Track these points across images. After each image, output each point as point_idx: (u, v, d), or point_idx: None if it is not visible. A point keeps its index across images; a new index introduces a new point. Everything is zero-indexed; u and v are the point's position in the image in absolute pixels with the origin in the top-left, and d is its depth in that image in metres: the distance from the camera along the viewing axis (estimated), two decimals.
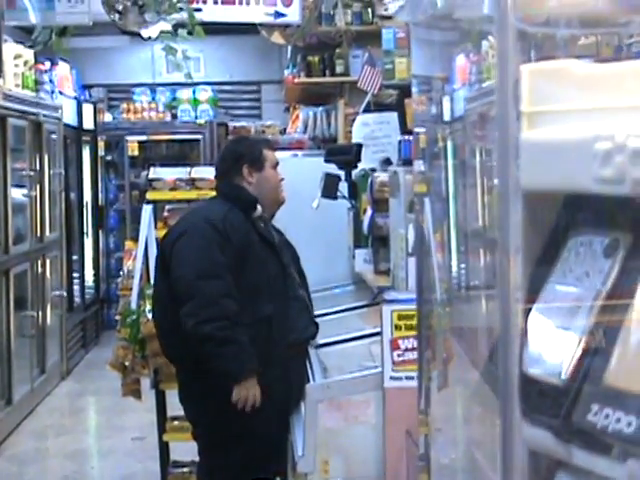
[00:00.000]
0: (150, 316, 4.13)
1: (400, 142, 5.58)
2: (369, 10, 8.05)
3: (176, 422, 4.60)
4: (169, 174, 5.28)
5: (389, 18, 7.46)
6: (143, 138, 10.38)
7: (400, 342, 3.25)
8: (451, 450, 1.82)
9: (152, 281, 4.14)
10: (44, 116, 7.38)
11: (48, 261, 7.52)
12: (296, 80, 8.58)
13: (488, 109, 1.77)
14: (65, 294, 7.99)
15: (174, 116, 10.75)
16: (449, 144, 2.18)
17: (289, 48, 8.98)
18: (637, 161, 1.05)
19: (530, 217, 1.18)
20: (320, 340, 3.85)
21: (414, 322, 3.15)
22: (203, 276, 3.50)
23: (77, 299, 8.81)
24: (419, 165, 2.19)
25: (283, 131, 9.45)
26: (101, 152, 10.12)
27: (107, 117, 10.74)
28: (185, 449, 4.57)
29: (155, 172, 5.36)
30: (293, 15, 7.40)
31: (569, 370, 1.15)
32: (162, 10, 5.98)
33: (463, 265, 2.13)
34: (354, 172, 5.36)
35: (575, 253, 1.22)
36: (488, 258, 1.75)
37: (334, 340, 3.88)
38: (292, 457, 3.56)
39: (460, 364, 1.68)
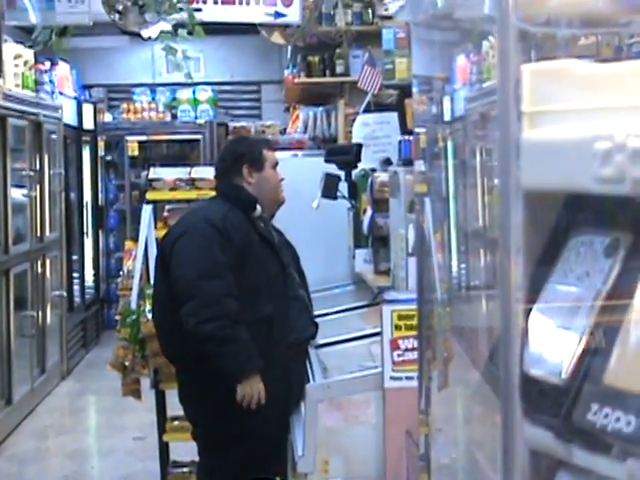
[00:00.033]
0: (150, 316, 4.13)
1: (400, 142, 5.59)
2: (369, 10, 8.05)
3: (176, 422, 4.60)
4: (169, 174, 5.28)
5: (389, 18, 7.46)
6: (143, 138, 10.38)
7: (400, 342, 3.25)
8: (451, 450, 1.82)
9: (152, 281, 4.14)
10: (44, 116, 7.38)
11: (48, 261, 7.52)
12: (296, 80, 8.58)
13: (488, 109, 1.78)
14: (65, 294, 7.99)
15: (174, 116, 10.75)
16: (449, 144, 2.18)
17: (289, 48, 8.98)
18: (637, 160, 1.05)
19: (531, 217, 1.18)
20: (320, 340, 3.85)
21: (414, 322, 3.15)
22: (204, 276, 3.50)
23: (77, 299, 8.81)
24: (420, 165, 2.19)
25: (283, 131, 9.44)
26: (101, 152, 10.12)
27: (107, 117, 10.74)
28: (185, 449, 4.57)
29: (155, 172, 5.36)
30: (293, 15, 7.40)
31: (569, 370, 1.15)
32: (162, 10, 5.98)
33: (463, 265, 2.14)
34: (354, 172, 5.36)
35: (576, 253, 1.22)
36: (488, 258, 1.76)
37: (334, 340, 3.88)
38: (292, 457, 3.56)
39: (460, 364, 1.68)
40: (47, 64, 7.80)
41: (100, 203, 9.94)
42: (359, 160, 5.37)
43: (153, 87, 11.01)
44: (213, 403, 3.62)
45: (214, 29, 7.35)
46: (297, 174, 4.99)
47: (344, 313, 4.47)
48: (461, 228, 2.12)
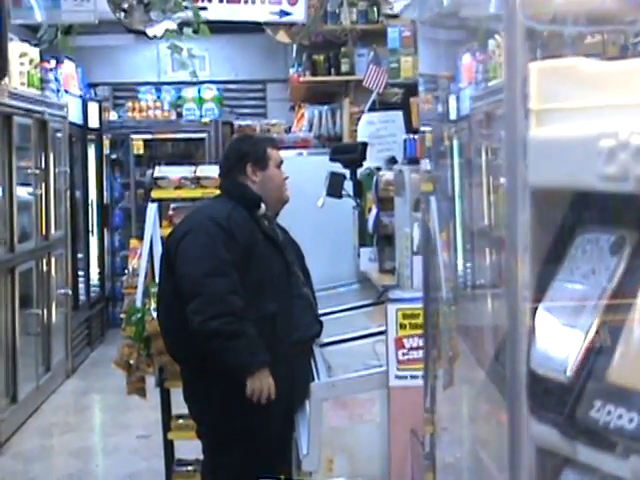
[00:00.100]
0: (155, 314, 4.14)
1: (405, 141, 5.59)
2: (374, 9, 8.05)
3: (181, 420, 4.60)
4: (174, 173, 5.29)
5: (394, 17, 7.45)
6: (148, 137, 10.39)
7: (405, 341, 3.25)
8: (456, 449, 1.82)
9: (157, 279, 4.14)
10: (49, 114, 7.39)
11: (53, 259, 7.52)
12: (301, 79, 8.58)
13: (494, 108, 1.77)
14: (70, 292, 8.01)
15: (179, 115, 10.75)
16: (455, 143, 2.18)
17: (294, 47, 8.98)
18: None
19: (538, 215, 1.17)
20: (325, 339, 3.85)
21: (419, 321, 3.15)
22: (209, 273, 3.50)
23: (82, 297, 8.82)
24: (426, 164, 2.19)
25: (288, 130, 9.45)
26: (106, 150, 10.13)
27: (112, 115, 10.75)
28: (190, 447, 4.57)
29: (160, 171, 5.36)
30: (298, 14, 7.39)
31: (574, 367, 1.15)
32: (167, 9, 5.98)
33: (469, 264, 2.13)
34: (359, 171, 5.36)
35: (582, 250, 1.22)
36: (494, 257, 1.75)
37: (339, 339, 3.88)
38: (297, 455, 3.56)
39: (466, 363, 1.68)
40: (52, 62, 7.81)
41: (105, 201, 9.95)
42: (364, 159, 5.36)
43: (158, 85, 11.02)
44: (217, 401, 3.62)
45: (219, 28, 7.35)
46: (302, 173, 4.99)
47: (349, 312, 4.47)
48: (467, 227, 2.11)
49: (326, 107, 8.72)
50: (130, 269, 5.17)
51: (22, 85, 6.71)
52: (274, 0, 7.40)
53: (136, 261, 5.08)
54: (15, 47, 6.57)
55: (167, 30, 6.07)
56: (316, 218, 5.23)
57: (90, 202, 9.36)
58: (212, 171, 4.89)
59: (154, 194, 5.15)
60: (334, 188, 5.05)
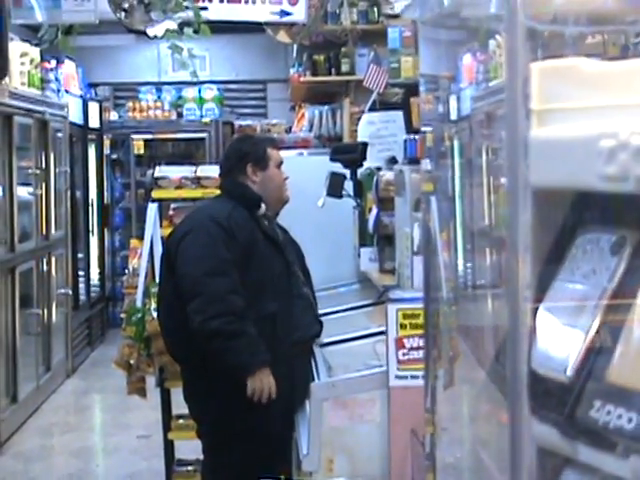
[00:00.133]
0: (155, 314, 4.14)
1: (405, 141, 5.58)
2: (375, 9, 8.06)
3: (181, 420, 4.60)
4: (175, 172, 5.29)
5: (395, 17, 7.46)
6: (149, 137, 10.39)
7: (405, 341, 3.25)
8: (457, 449, 1.82)
9: (157, 279, 4.14)
10: (50, 114, 7.39)
11: (54, 259, 7.53)
12: (302, 79, 8.58)
13: (495, 108, 1.77)
14: (70, 292, 8.01)
15: (180, 115, 10.75)
16: (456, 143, 2.18)
17: (295, 47, 8.98)
18: None
19: (539, 215, 1.18)
20: (325, 339, 3.85)
21: (419, 321, 3.16)
22: (209, 273, 3.50)
23: (82, 297, 8.82)
24: (427, 164, 2.19)
25: (289, 130, 9.45)
26: (107, 150, 10.13)
27: (113, 115, 10.75)
28: (190, 447, 4.57)
29: (161, 170, 5.36)
30: (299, 14, 7.39)
31: (574, 367, 1.15)
32: (168, 9, 5.98)
33: (469, 264, 2.13)
34: (359, 171, 5.35)
35: (583, 250, 1.22)
36: (494, 257, 1.75)
37: (339, 339, 3.88)
38: (297, 455, 3.56)
39: (466, 363, 1.68)
40: (53, 62, 7.81)
41: (106, 201, 9.95)
42: (364, 159, 5.36)
43: (159, 85, 11.03)
44: (218, 401, 3.62)
45: (220, 28, 7.35)
46: (302, 173, 4.99)
47: (349, 312, 4.47)
48: (467, 227, 2.12)
49: (326, 107, 8.73)
50: (130, 269, 5.17)
51: (23, 85, 6.72)
52: (274, 0, 7.40)
53: (136, 261, 5.08)
54: (16, 47, 6.57)
55: (168, 30, 6.07)
56: (316, 218, 5.23)
57: (90, 202, 9.36)
58: (212, 171, 4.89)
59: (154, 194, 5.15)
60: (334, 188, 5.05)
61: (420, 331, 3.15)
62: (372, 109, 6.94)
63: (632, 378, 1.08)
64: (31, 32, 7.50)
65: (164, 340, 3.90)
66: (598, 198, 1.17)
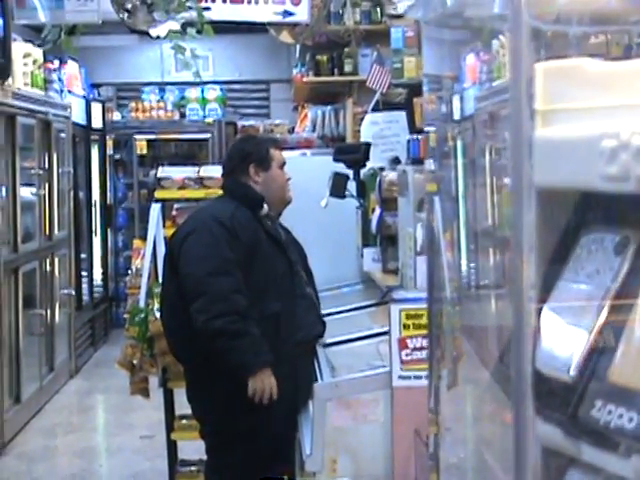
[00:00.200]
0: (158, 315, 4.14)
1: (409, 141, 5.58)
2: (378, 9, 8.05)
3: (184, 421, 4.60)
4: (178, 173, 5.29)
5: (398, 17, 7.45)
6: (152, 137, 10.39)
7: (408, 341, 3.25)
8: (460, 449, 1.82)
9: (160, 280, 4.15)
10: (53, 115, 7.39)
11: (57, 259, 7.53)
12: (305, 79, 8.58)
13: (499, 108, 1.77)
14: (74, 292, 8.01)
15: (182, 115, 10.75)
16: (459, 143, 2.17)
17: (298, 47, 8.98)
18: None
19: (543, 215, 1.18)
20: (328, 339, 3.85)
21: (422, 321, 3.15)
22: (213, 273, 3.51)
23: (86, 297, 8.83)
24: (430, 164, 2.19)
25: (292, 130, 9.45)
26: (110, 151, 10.13)
27: (116, 116, 10.75)
28: (193, 448, 4.57)
29: (164, 171, 5.36)
30: (302, 14, 7.39)
31: (577, 367, 1.15)
32: (171, 9, 5.98)
33: (473, 264, 2.13)
34: (363, 171, 5.36)
35: (587, 250, 1.22)
36: (498, 257, 1.75)
37: (342, 339, 3.88)
38: (300, 456, 3.56)
39: (470, 363, 1.68)
40: (56, 63, 7.81)
41: (109, 202, 9.96)
42: (367, 159, 5.36)
43: (162, 86, 11.02)
44: (221, 401, 3.62)
45: (223, 28, 7.35)
46: (305, 173, 4.99)
47: (352, 312, 4.47)
48: (470, 227, 2.11)
49: (329, 107, 8.73)
50: (133, 269, 5.17)
51: (26, 85, 6.72)
52: (277, 0, 7.40)
53: (139, 261, 5.08)
54: (19, 47, 6.58)
55: (170, 30, 6.07)
56: (319, 218, 5.23)
57: (93, 202, 9.37)
58: (215, 171, 4.89)
59: (157, 194, 5.15)
60: (337, 188, 5.05)
61: (423, 331, 3.15)
62: (375, 109, 6.94)
63: (633, 378, 1.08)
64: (34, 32, 7.50)
65: (167, 340, 3.91)
66: (602, 198, 1.17)
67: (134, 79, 11.17)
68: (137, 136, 10.31)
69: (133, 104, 10.80)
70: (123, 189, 10.62)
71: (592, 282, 1.20)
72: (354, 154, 5.41)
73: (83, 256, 8.82)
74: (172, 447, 4.73)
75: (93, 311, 9.02)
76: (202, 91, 10.74)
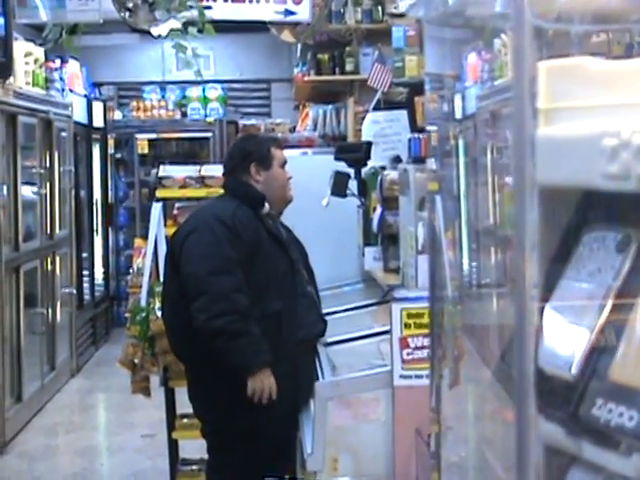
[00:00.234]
0: (159, 314, 4.14)
1: (410, 140, 5.59)
2: (379, 8, 8.06)
3: (185, 420, 4.60)
4: (179, 172, 5.29)
5: (399, 16, 7.45)
6: (153, 136, 10.38)
7: (410, 340, 3.25)
8: (462, 448, 1.82)
9: (162, 279, 4.15)
10: (54, 114, 7.39)
11: (58, 258, 7.53)
12: (306, 78, 8.58)
13: (500, 107, 1.77)
14: (75, 291, 8.01)
15: (184, 114, 10.75)
16: (460, 142, 2.17)
17: (299, 46, 8.98)
18: None
19: (545, 214, 1.17)
20: (329, 338, 3.85)
21: (424, 320, 3.15)
22: (214, 272, 3.51)
23: (87, 296, 8.83)
24: (432, 163, 2.19)
25: (293, 129, 9.46)
26: (111, 150, 10.13)
27: (117, 115, 10.75)
28: (194, 447, 4.58)
29: (165, 170, 5.36)
30: (303, 13, 7.39)
31: (579, 365, 1.16)
32: (172, 8, 5.98)
33: (474, 263, 2.13)
34: (364, 170, 5.35)
35: (589, 249, 1.22)
36: (499, 256, 1.75)
37: (343, 338, 3.88)
38: (301, 455, 3.56)
39: (471, 362, 1.68)
40: (57, 62, 7.81)
41: (110, 201, 9.96)
42: (369, 158, 5.36)
43: (163, 85, 11.03)
44: (222, 401, 3.62)
45: (224, 27, 7.36)
46: (306, 172, 4.99)
47: (353, 311, 4.47)
48: (472, 226, 2.11)
49: (331, 106, 8.73)
50: (135, 268, 5.17)
51: (27, 84, 6.72)
52: None
53: (141, 260, 5.08)
54: (20, 46, 6.58)
55: (172, 29, 6.07)
56: (321, 217, 5.23)
57: (95, 201, 9.37)
58: (217, 170, 4.89)
59: (159, 193, 5.15)
60: (339, 187, 5.05)
61: (424, 330, 3.15)
62: (376, 108, 6.94)
63: (634, 377, 1.08)
64: (35, 32, 7.51)
65: (168, 339, 3.91)
66: (604, 196, 1.17)
67: (135, 78, 11.17)
68: (138, 135, 10.30)
69: (134, 103, 10.81)
70: (124, 188, 10.62)
71: (594, 280, 1.20)
72: (355, 153, 5.40)
73: (84, 255, 8.83)
74: (173, 446, 4.74)
75: (94, 310, 9.02)
76: (203, 90, 10.74)
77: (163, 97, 10.87)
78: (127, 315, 4.74)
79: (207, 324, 3.46)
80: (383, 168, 5.40)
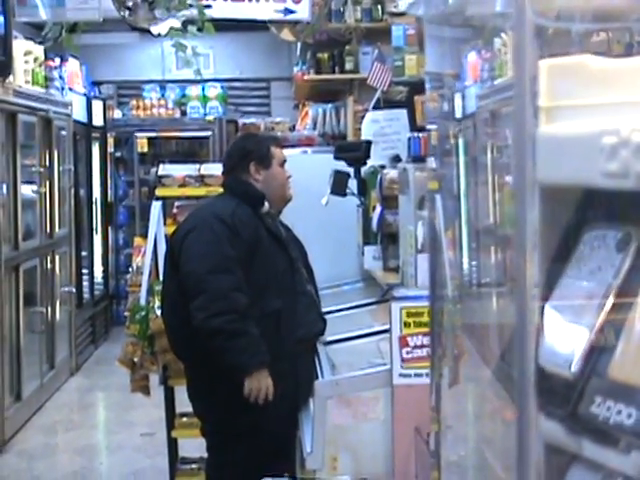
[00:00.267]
0: (159, 312, 4.14)
1: (409, 139, 5.59)
2: (379, 7, 8.06)
3: (185, 418, 4.60)
4: (178, 171, 5.29)
5: (399, 15, 7.46)
6: (152, 135, 10.38)
7: (409, 339, 3.25)
8: (461, 447, 1.82)
9: (161, 277, 4.15)
10: (54, 112, 7.39)
11: (57, 257, 7.53)
12: (305, 77, 8.58)
13: (500, 106, 1.77)
14: (74, 290, 8.01)
15: (183, 113, 10.74)
16: (460, 141, 2.17)
17: (299, 45, 8.98)
18: None
19: (546, 212, 1.18)
20: (329, 337, 3.85)
21: (423, 319, 3.16)
22: (212, 271, 3.51)
23: (86, 295, 8.83)
24: (432, 162, 2.19)
25: (292, 128, 9.46)
26: (110, 148, 10.13)
27: (117, 114, 10.75)
28: (194, 445, 4.57)
29: (164, 169, 5.36)
30: (303, 12, 7.39)
31: (578, 364, 1.16)
32: (172, 6, 5.98)
33: (474, 262, 2.13)
34: (363, 169, 5.36)
35: (590, 247, 1.23)
36: (499, 255, 1.75)
37: (343, 337, 3.88)
38: (300, 454, 3.56)
39: (471, 361, 1.68)
40: (57, 60, 7.81)
41: (109, 199, 9.96)
42: (368, 157, 5.36)
43: (163, 84, 11.02)
44: (222, 399, 3.62)
45: (224, 26, 7.35)
46: (306, 171, 4.99)
47: (353, 310, 4.47)
48: (472, 225, 2.12)
49: (330, 105, 8.73)
50: (134, 267, 5.17)
51: (27, 83, 6.72)
52: None
53: (140, 259, 5.08)
54: (20, 45, 6.58)
55: (172, 28, 6.07)
56: (320, 216, 5.23)
57: (94, 200, 9.37)
58: (216, 169, 4.89)
59: (158, 192, 5.15)
60: (338, 186, 5.05)
61: (424, 329, 3.15)
62: (376, 107, 6.94)
63: (632, 374, 1.08)
64: (35, 30, 7.50)
65: (168, 338, 3.91)
66: (605, 195, 1.18)
67: (135, 77, 11.17)
68: (138, 134, 10.30)
69: (134, 102, 10.80)
70: (124, 187, 10.62)
71: (594, 279, 1.20)
72: (355, 152, 5.41)
73: (84, 254, 8.82)
74: (173, 445, 4.74)
75: (94, 309, 9.02)
76: (203, 89, 10.74)
77: (163, 96, 10.86)
78: (126, 314, 4.74)
79: (205, 323, 3.46)
80: (383, 167, 5.40)
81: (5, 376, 6.10)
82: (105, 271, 9.66)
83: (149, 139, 10.36)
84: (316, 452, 3.23)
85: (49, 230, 7.33)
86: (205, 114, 10.59)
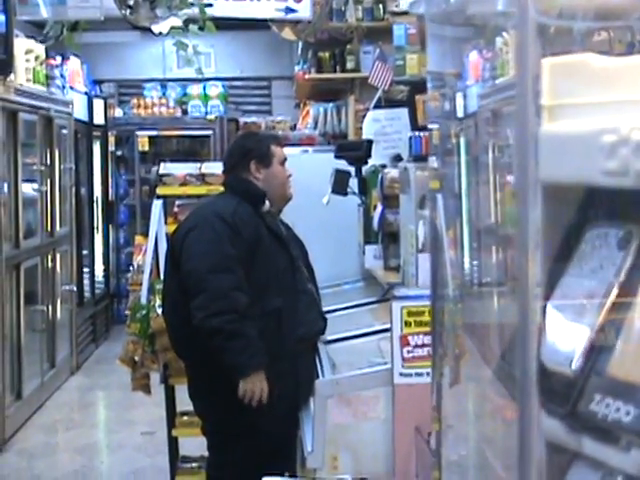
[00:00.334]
0: (160, 311, 4.14)
1: (410, 138, 5.58)
2: (380, 6, 8.06)
3: (185, 417, 4.60)
4: (179, 169, 5.29)
5: (400, 14, 7.45)
6: (153, 133, 10.38)
7: (410, 338, 3.25)
8: (462, 447, 1.82)
9: (162, 276, 4.15)
10: (55, 111, 7.39)
11: (58, 256, 7.53)
12: (307, 76, 8.58)
13: (502, 105, 1.77)
14: (75, 289, 8.01)
15: (184, 111, 10.74)
16: (462, 140, 2.17)
17: (300, 44, 8.98)
18: None
19: (548, 211, 1.17)
20: (329, 336, 3.85)
21: (424, 318, 3.15)
22: (213, 270, 3.50)
23: (87, 294, 8.83)
24: (433, 161, 2.19)
25: (293, 127, 9.46)
26: (111, 147, 10.13)
27: (118, 112, 10.75)
28: (194, 444, 4.58)
29: (165, 167, 5.36)
30: (304, 11, 7.39)
31: (579, 361, 1.16)
32: (173, 5, 5.98)
33: (476, 261, 2.13)
34: (364, 168, 5.35)
35: (591, 246, 1.23)
36: (501, 254, 1.75)
37: (343, 336, 3.88)
38: (301, 453, 3.56)
39: (472, 360, 1.68)
40: (58, 59, 7.81)
41: (110, 198, 9.96)
42: (369, 156, 5.36)
43: (164, 82, 11.02)
44: (222, 399, 3.62)
45: (225, 24, 7.35)
46: (307, 170, 4.99)
47: (353, 309, 4.47)
48: (473, 224, 2.11)
49: (331, 104, 8.73)
50: (135, 266, 5.17)
51: (28, 81, 6.72)
52: None
53: (141, 258, 5.08)
54: (21, 43, 6.58)
55: (173, 27, 6.07)
56: (321, 215, 5.23)
57: (95, 199, 9.37)
58: (217, 168, 4.88)
59: (159, 191, 5.15)
60: (339, 185, 5.05)
61: (425, 329, 3.15)
62: (377, 106, 6.93)
63: (632, 372, 1.08)
64: (36, 29, 7.50)
65: (169, 337, 3.91)
66: (606, 193, 1.18)
67: (136, 75, 11.17)
68: (139, 132, 10.30)
69: (135, 100, 10.80)
70: (125, 185, 10.62)
71: (595, 277, 1.20)
72: (356, 151, 5.40)
73: (85, 252, 8.83)
74: (173, 444, 4.74)
75: (94, 307, 9.02)
76: (204, 88, 10.73)
77: (164, 94, 10.87)
78: (127, 313, 4.74)
79: (205, 322, 3.46)
80: (384, 166, 5.40)
81: (6, 375, 6.10)
82: (106, 270, 9.67)
83: (150, 138, 10.36)
84: (316, 451, 3.23)
85: (50, 229, 7.33)
86: (206, 113, 10.59)
